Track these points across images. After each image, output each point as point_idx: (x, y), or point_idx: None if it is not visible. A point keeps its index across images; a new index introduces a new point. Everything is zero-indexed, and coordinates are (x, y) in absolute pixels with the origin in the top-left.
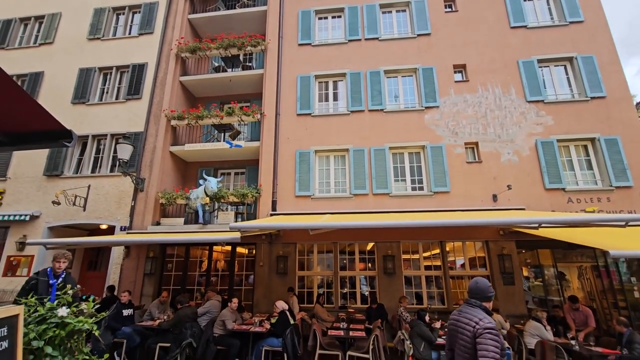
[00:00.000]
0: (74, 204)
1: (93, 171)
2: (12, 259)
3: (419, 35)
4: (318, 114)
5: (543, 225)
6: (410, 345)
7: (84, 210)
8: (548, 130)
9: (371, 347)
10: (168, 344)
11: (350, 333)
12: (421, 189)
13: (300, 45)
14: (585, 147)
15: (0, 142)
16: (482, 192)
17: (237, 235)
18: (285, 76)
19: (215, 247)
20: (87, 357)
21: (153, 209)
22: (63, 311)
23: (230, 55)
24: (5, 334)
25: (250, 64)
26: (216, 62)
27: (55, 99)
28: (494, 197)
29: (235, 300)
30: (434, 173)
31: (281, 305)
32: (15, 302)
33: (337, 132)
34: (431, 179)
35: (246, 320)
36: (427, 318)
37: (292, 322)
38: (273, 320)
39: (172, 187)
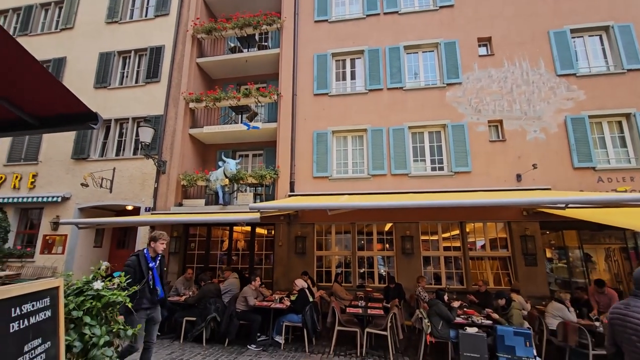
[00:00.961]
0: (100, 186)
1: (117, 154)
2: (47, 237)
3: (441, 7)
4: (335, 94)
5: (570, 205)
6: (428, 324)
7: (111, 192)
8: (579, 106)
9: (389, 324)
10: (194, 318)
11: (369, 311)
12: (441, 169)
13: (316, 22)
14: (619, 123)
15: (32, 125)
16: (505, 171)
17: (257, 215)
18: (302, 55)
19: (235, 228)
20: (121, 327)
21: (175, 191)
22: (98, 284)
23: (245, 35)
24: (48, 303)
25: (266, 44)
26: (232, 42)
27: (78, 83)
28: (518, 176)
29: (257, 279)
30: (454, 152)
31: (300, 283)
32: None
33: (354, 112)
34: (452, 159)
35: (267, 297)
36: (445, 298)
37: (311, 299)
38: (293, 298)
39: (192, 169)
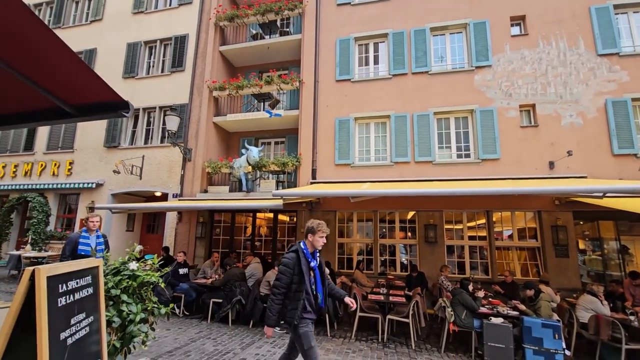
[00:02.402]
0: (131, 173)
1: (146, 142)
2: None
3: None
4: (358, 79)
5: (609, 194)
6: (452, 313)
7: (140, 178)
8: (622, 88)
9: (411, 312)
10: (220, 300)
11: (390, 298)
12: (468, 156)
13: (338, 5)
14: None
15: (70, 114)
16: (537, 158)
17: (279, 202)
18: (324, 40)
19: (258, 214)
20: (155, 305)
21: (200, 178)
22: (133, 265)
23: (267, 21)
24: (90, 281)
25: (287, 30)
26: (254, 29)
27: (108, 73)
28: (551, 164)
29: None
30: (482, 139)
31: None
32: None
33: (377, 98)
34: (479, 146)
35: None
36: (470, 287)
37: None
38: None
39: (216, 156)
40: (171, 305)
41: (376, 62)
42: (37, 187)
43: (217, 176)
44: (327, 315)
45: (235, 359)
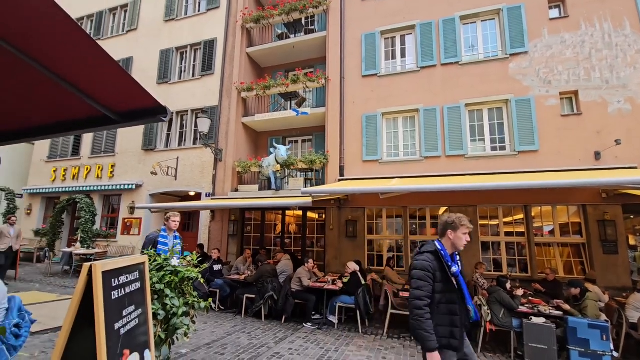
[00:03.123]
0: (167, 174)
1: (179, 144)
2: (126, 220)
3: None
4: (384, 74)
5: None
6: (488, 311)
7: (176, 179)
8: None
9: None
10: (253, 296)
11: None
12: (503, 148)
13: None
14: None
15: (114, 121)
16: (580, 149)
17: (308, 199)
18: (349, 36)
19: (287, 212)
20: (195, 300)
21: (231, 177)
22: (175, 261)
23: (292, 20)
24: (138, 277)
25: (312, 27)
26: (279, 29)
27: (144, 80)
28: (597, 154)
29: (311, 261)
30: (519, 130)
31: (353, 266)
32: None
33: (405, 92)
34: (515, 137)
35: (320, 278)
36: (508, 285)
37: (363, 282)
38: (345, 280)
39: (246, 156)
40: (210, 299)
41: (403, 55)
42: (84, 189)
43: (246, 175)
44: (358, 312)
45: (270, 353)
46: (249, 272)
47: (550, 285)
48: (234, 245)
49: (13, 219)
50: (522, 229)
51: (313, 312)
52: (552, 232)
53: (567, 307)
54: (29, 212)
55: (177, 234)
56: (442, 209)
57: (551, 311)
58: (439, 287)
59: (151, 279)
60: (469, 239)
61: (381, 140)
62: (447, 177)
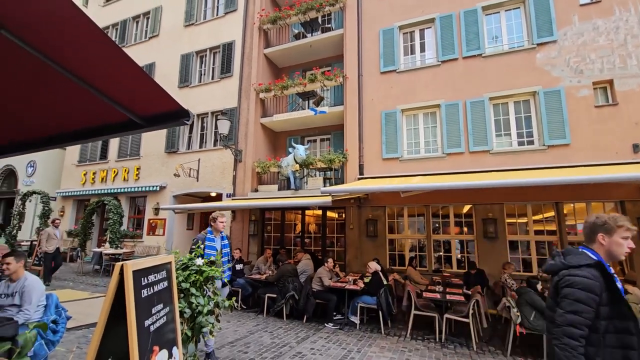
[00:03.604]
0: (189, 175)
1: (200, 146)
2: (151, 221)
3: None
4: (403, 69)
5: None
6: (518, 313)
7: (197, 180)
8: None
9: (471, 311)
10: (274, 295)
11: (447, 296)
12: (531, 143)
13: None
14: None
15: (139, 125)
16: (617, 142)
17: (329, 199)
18: (366, 32)
19: (307, 212)
20: (220, 299)
21: (251, 178)
22: (199, 261)
23: (309, 20)
24: (165, 276)
25: (329, 26)
26: (296, 29)
27: (165, 84)
28: (635, 147)
29: (330, 260)
30: (548, 123)
31: (374, 266)
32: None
33: (425, 87)
34: (544, 131)
35: (340, 278)
36: (539, 287)
37: (385, 282)
38: (366, 280)
39: (265, 156)
40: (233, 298)
41: (422, 49)
42: (112, 191)
43: (266, 175)
44: (380, 312)
45: (292, 352)
46: (270, 272)
47: None
48: (254, 245)
49: (57, 221)
50: (553, 227)
51: (334, 312)
52: None
53: None
54: (62, 213)
55: (225, 234)
56: (467, 207)
57: None
58: (605, 311)
59: (177, 277)
60: (632, 246)
61: (401, 138)
62: (471, 174)
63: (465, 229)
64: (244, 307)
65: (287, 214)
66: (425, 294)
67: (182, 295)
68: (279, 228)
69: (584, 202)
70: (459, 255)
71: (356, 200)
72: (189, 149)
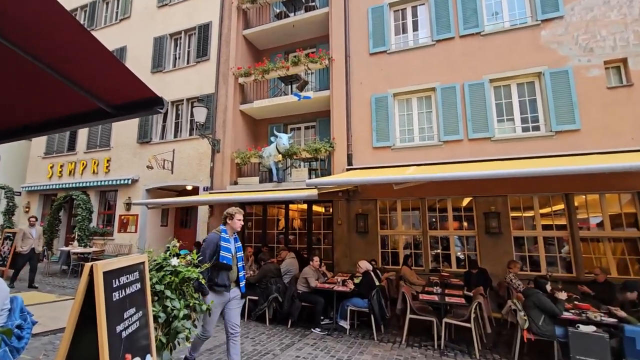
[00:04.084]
0: (163, 167)
1: (175, 136)
2: (122, 217)
3: None
4: (395, 50)
5: None
6: (525, 317)
7: (172, 172)
8: None
9: (473, 315)
10: (256, 297)
11: (446, 299)
12: (536, 128)
13: None
14: None
15: (110, 114)
16: (633, 126)
17: (314, 192)
18: (354, 10)
19: (291, 206)
20: (197, 301)
21: (230, 169)
22: (175, 261)
23: None
24: (138, 277)
25: (313, 4)
26: (277, 8)
27: (137, 69)
28: None
29: (316, 258)
30: (555, 107)
31: (365, 265)
32: None
33: (419, 69)
34: (551, 115)
35: (328, 279)
36: (548, 287)
37: (377, 283)
38: (357, 280)
39: (245, 146)
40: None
41: (415, 28)
42: (80, 185)
43: (246, 167)
44: (372, 316)
45: None
46: (251, 272)
47: (600, 287)
48: None
49: (32, 219)
50: (563, 221)
51: (322, 317)
52: (600, 225)
53: (622, 313)
54: (27, 209)
55: (237, 236)
56: (466, 200)
57: (603, 318)
58: None
59: (151, 279)
60: None
61: (393, 124)
62: (471, 163)
63: (465, 224)
64: None
65: (269, 209)
66: (421, 296)
67: (156, 298)
68: (261, 224)
69: (597, 193)
70: (459, 254)
71: (345, 193)
72: (162, 139)
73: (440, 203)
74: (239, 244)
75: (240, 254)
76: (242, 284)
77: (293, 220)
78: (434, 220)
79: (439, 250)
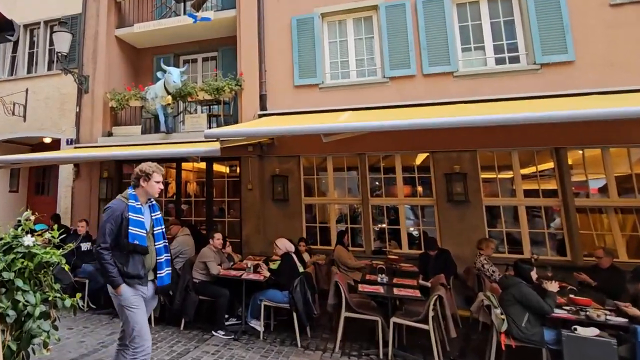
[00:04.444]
0: (13, 113)
1: (29, 71)
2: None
3: None
4: None
5: None
6: (503, 316)
7: (25, 120)
8: None
9: (431, 313)
10: None
11: (395, 290)
12: (515, 60)
13: None
14: None
15: None
16: None
17: (216, 146)
18: None
19: (184, 165)
20: (57, 295)
21: (102, 116)
22: (28, 240)
23: None
24: None
25: None
26: None
27: None
28: None
29: (218, 235)
30: (539, 31)
31: (284, 244)
32: None
33: None
34: (535, 42)
35: (235, 264)
36: (534, 275)
37: (301, 269)
38: (273, 266)
39: (122, 85)
40: (78, 295)
41: None
42: None
43: (124, 112)
44: (294, 314)
45: None
46: None
47: (604, 275)
48: None
49: None
50: (552, 185)
51: (227, 315)
52: (603, 190)
53: (634, 310)
54: None
55: (155, 202)
56: (421, 157)
57: (608, 317)
58: None
59: None
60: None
61: (322, 55)
62: (427, 107)
63: (419, 189)
64: (93, 306)
65: None
66: (361, 287)
67: (3, 290)
68: None
69: (597, 146)
70: (412, 229)
71: (256, 147)
72: (12, 75)
73: (386, 161)
74: (159, 213)
75: (160, 228)
76: (166, 271)
77: (187, 183)
78: (377, 184)
79: (384, 225)
